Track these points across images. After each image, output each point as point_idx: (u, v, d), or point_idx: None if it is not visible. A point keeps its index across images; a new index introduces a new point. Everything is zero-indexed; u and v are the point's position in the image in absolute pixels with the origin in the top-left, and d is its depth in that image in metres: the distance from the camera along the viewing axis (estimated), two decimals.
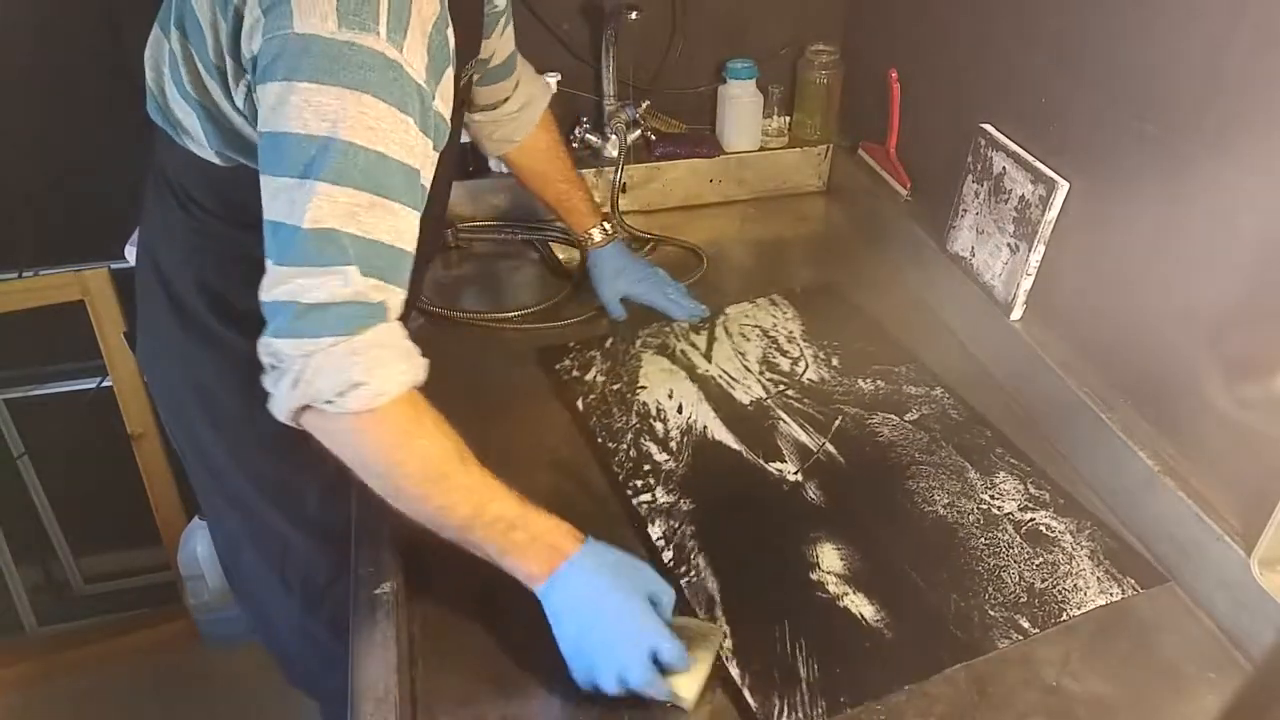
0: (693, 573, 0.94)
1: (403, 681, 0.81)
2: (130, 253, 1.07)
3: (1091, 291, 1.08)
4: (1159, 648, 0.88)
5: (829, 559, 0.96)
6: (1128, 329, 1.03)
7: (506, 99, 1.22)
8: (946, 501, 1.03)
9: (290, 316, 0.74)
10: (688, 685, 0.81)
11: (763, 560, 0.97)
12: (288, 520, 1.08)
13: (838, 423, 1.13)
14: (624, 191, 1.57)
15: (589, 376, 1.21)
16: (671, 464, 1.07)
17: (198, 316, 0.99)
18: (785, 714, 0.81)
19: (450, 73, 0.81)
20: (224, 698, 1.85)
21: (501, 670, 0.86)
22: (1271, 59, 0.80)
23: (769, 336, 1.29)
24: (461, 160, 1.56)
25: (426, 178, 0.80)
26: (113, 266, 1.62)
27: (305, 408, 0.76)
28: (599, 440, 1.11)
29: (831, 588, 0.93)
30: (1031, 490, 1.04)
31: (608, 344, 1.27)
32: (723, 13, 1.60)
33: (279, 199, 0.73)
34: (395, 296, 0.78)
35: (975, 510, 1.02)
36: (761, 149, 1.66)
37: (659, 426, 1.13)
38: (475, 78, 1.00)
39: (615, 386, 1.19)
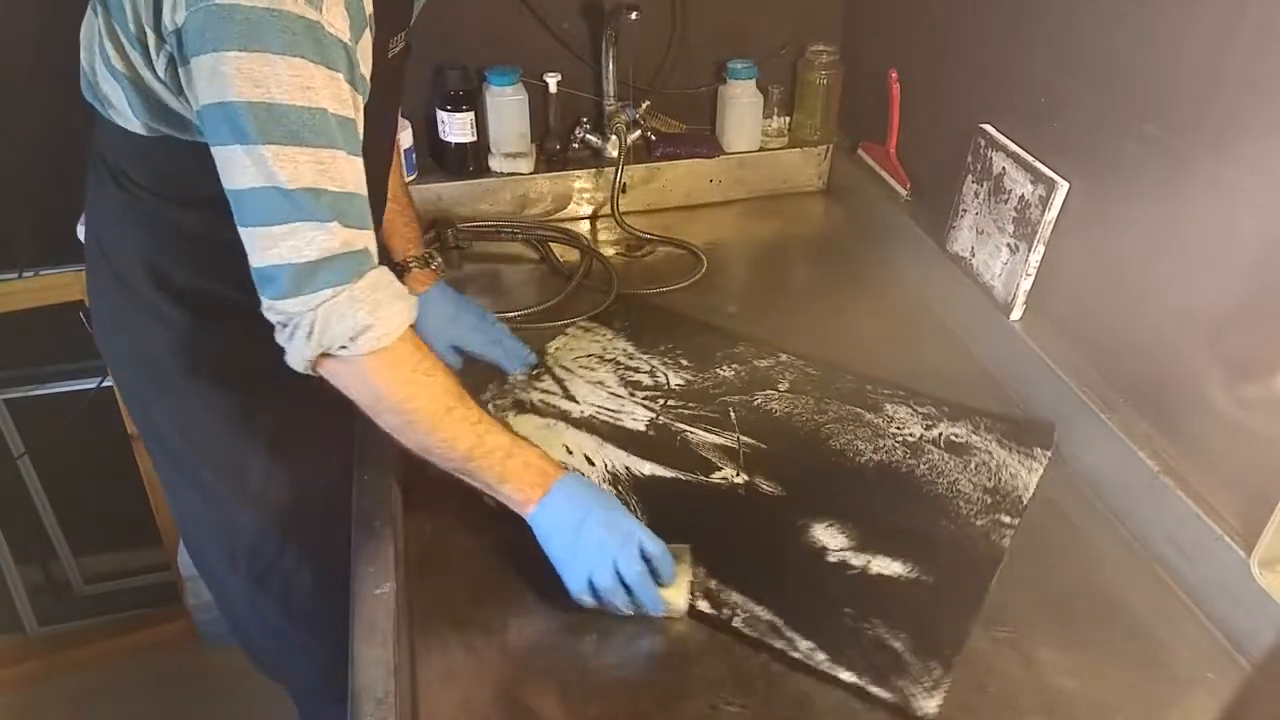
0: (726, 609, 0.89)
1: (402, 681, 0.81)
2: (81, 232, 1.07)
3: (1091, 291, 1.08)
4: (1159, 648, 0.88)
5: (829, 538, 0.98)
6: (1128, 329, 1.03)
7: None
8: (870, 447, 1.10)
9: (289, 278, 0.79)
10: (677, 595, 0.89)
11: (776, 567, 0.95)
12: (232, 494, 1.09)
13: (733, 414, 1.14)
14: (624, 191, 1.57)
15: None
16: None
17: (140, 291, 1.00)
18: (922, 696, 0.82)
19: (368, 35, 0.83)
20: (224, 698, 1.85)
21: (502, 670, 0.86)
22: (1271, 59, 0.80)
23: (609, 360, 1.23)
24: (462, 160, 1.56)
25: (358, 127, 0.83)
26: None
27: (321, 356, 0.82)
28: None
29: (855, 561, 0.95)
30: (918, 410, 1.15)
31: None
32: (723, 13, 1.60)
33: (237, 167, 0.76)
34: (371, 240, 0.83)
35: (895, 445, 1.10)
36: (761, 149, 1.66)
37: None
38: (401, 51, 0.99)
39: None
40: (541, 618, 0.91)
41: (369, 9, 0.82)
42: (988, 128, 1.22)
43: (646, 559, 0.87)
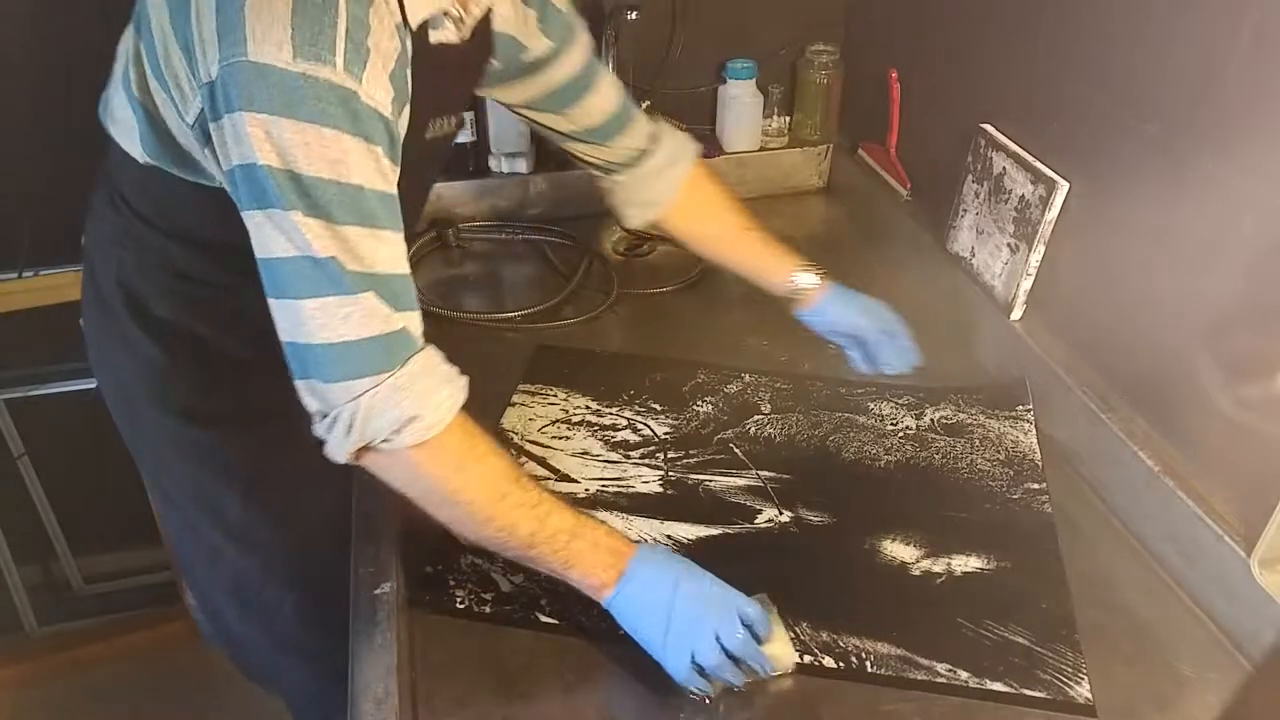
0: (852, 656, 0.86)
1: (402, 682, 0.81)
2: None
3: (1091, 291, 1.08)
4: (1159, 648, 0.88)
5: (902, 551, 0.97)
6: (1128, 329, 1.03)
7: (643, 152, 1.11)
8: (880, 449, 1.10)
9: (324, 360, 0.74)
10: (782, 649, 0.83)
11: (871, 597, 0.92)
12: (214, 529, 1.07)
13: (738, 451, 1.10)
14: None
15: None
16: None
17: (118, 317, 0.97)
18: (1071, 684, 0.83)
19: (406, 111, 0.79)
20: (224, 698, 1.85)
21: (502, 670, 0.86)
22: (1271, 59, 0.80)
23: (578, 423, 1.14)
24: (462, 160, 1.56)
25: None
26: None
27: (362, 449, 0.77)
28: None
29: (937, 569, 0.95)
30: (898, 401, 1.17)
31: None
32: (723, 13, 1.60)
33: (265, 233, 0.72)
34: (414, 320, 0.78)
35: (901, 441, 1.11)
36: (761, 149, 1.66)
37: None
38: (452, 133, 0.96)
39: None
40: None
41: (410, 87, 0.78)
42: (988, 128, 1.21)
43: (744, 623, 0.81)
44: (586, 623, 0.88)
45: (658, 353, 1.28)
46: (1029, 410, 1.14)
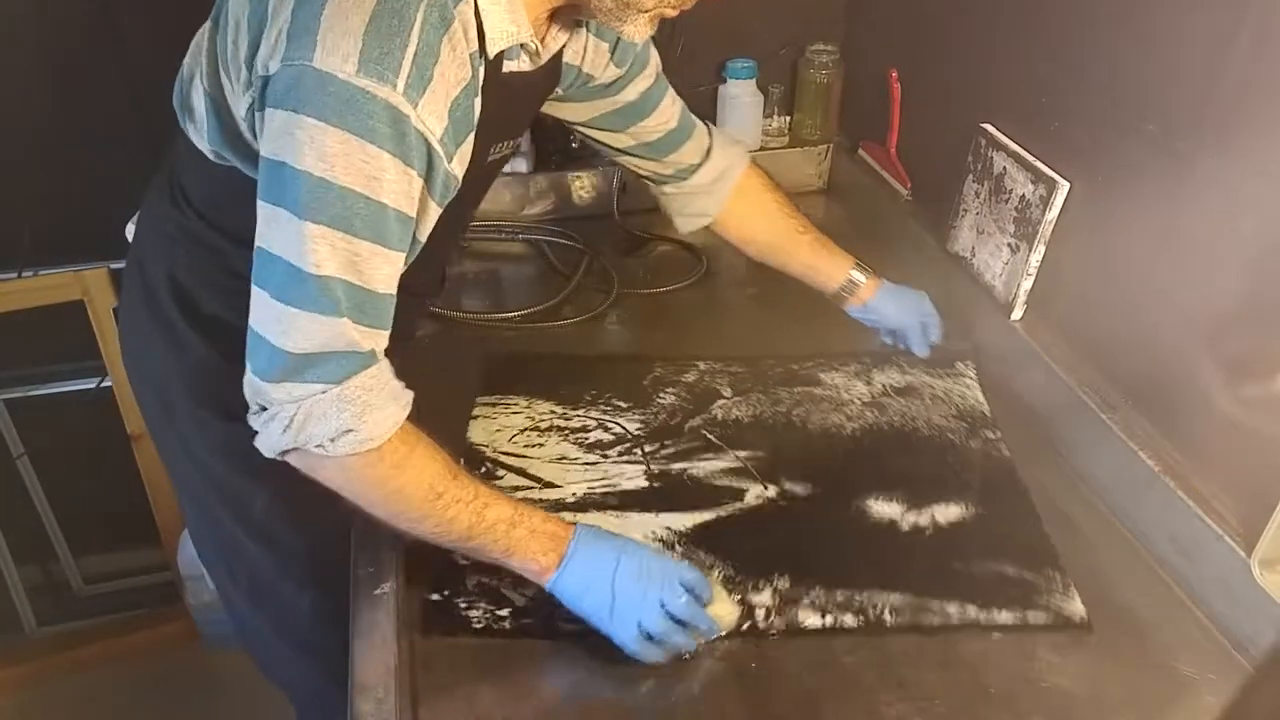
0: (871, 609, 0.90)
1: (402, 681, 0.81)
2: (130, 231, 1.07)
3: (1091, 291, 1.08)
4: (1159, 648, 0.88)
5: (888, 509, 1.02)
6: (1128, 329, 1.03)
7: (696, 167, 1.14)
8: (844, 417, 1.16)
9: (280, 363, 0.74)
10: (725, 609, 0.87)
11: (871, 555, 0.97)
12: (235, 523, 1.07)
13: (711, 436, 1.12)
14: (624, 191, 1.57)
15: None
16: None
17: (164, 311, 0.98)
18: (1066, 603, 0.91)
19: (470, 139, 0.80)
20: (224, 698, 1.85)
21: (502, 670, 0.86)
22: (1271, 59, 0.80)
23: (547, 429, 1.13)
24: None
25: (424, 229, 0.81)
26: (112, 266, 1.62)
27: (292, 449, 0.78)
28: None
29: (922, 521, 1.01)
30: (846, 369, 1.23)
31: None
32: (723, 13, 1.60)
33: (274, 228, 0.73)
34: (382, 340, 0.79)
35: (860, 408, 1.17)
36: (761, 149, 1.66)
37: None
38: (508, 155, 0.97)
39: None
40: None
41: (476, 114, 0.79)
42: (988, 127, 1.21)
43: (686, 588, 0.84)
44: None
45: (617, 350, 1.31)
46: (969, 366, 1.22)
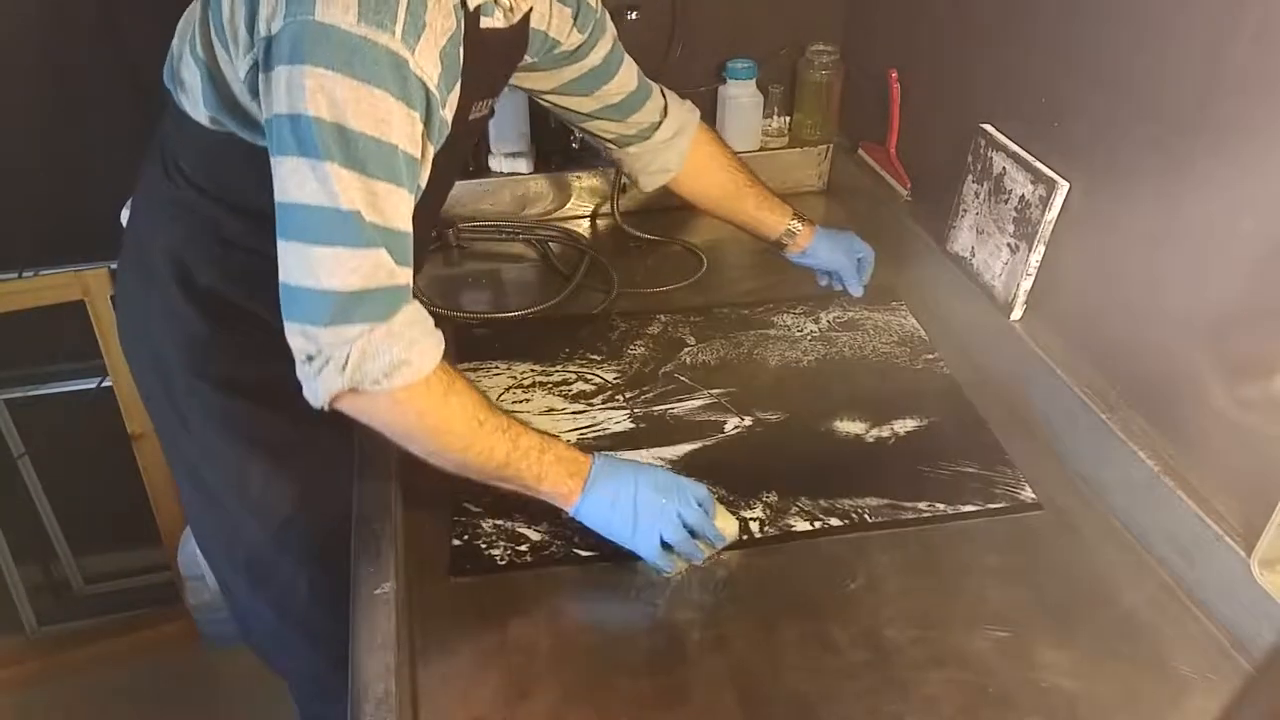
0: (853, 513, 1.02)
1: (402, 682, 0.81)
2: (124, 216, 1.08)
3: (1091, 291, 1.08)
4: (1159, 648, 0.88)
5: (854, 426, 1.15)
6: (1128, 329, 1.03)
7: (656, 125, 1.21)
8: (799, 351, 1.28)
9: (328, 305, 0.77)
10: (726, 522, 0.97)
11: (845, 467, 1.08)
12: (233, 499, 1.09)
13: (684, 379, 1.22)
14: (624, 191, 1.57)
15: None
16: None
17: (163, 287, 1.00)
18: (1019, 491, 1.04)
19: (458, 89, 0.85)
20: (224, 698, 1.85)
21: (502, 670, 0.86)
22: (1271, 59, 0.80)
23: (530, 385, 1.21)
24: (462, 161, 1.56)
25: (424, 172, 0.84)
26: (113, 267, 1.62)
27: (346, 391, 0.81)
28: None
29: (884, 434, 1.13)
30: (795, 311, 1.36)
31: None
32: (723, 13, 1.60)
33: (296, 179, 0.76)
34: (410, 277, 0.83)
35: (813, 343, 1.29)
36: (761, 149, 1.66)
37: None
38: (486, 116, 1.02)
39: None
40: (547, 614, 0.91)
41: (461, 64, 0.83)
42: (988, 128, 1.21)
43: (697, 502, 0.93)
44: (623, 549, 0.94)
45: (573, 312, 1.38)
46: (901, 304, 1.37)
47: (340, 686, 0.81)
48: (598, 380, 1.22)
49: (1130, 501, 1.00)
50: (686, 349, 1.28)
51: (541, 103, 1.19)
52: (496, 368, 1.25)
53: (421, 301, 0.84)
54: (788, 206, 1.29)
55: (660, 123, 1.21)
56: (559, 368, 1.24)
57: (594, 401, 1.19)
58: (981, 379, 1.23)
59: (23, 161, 1.55)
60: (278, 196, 0.77)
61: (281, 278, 0.79)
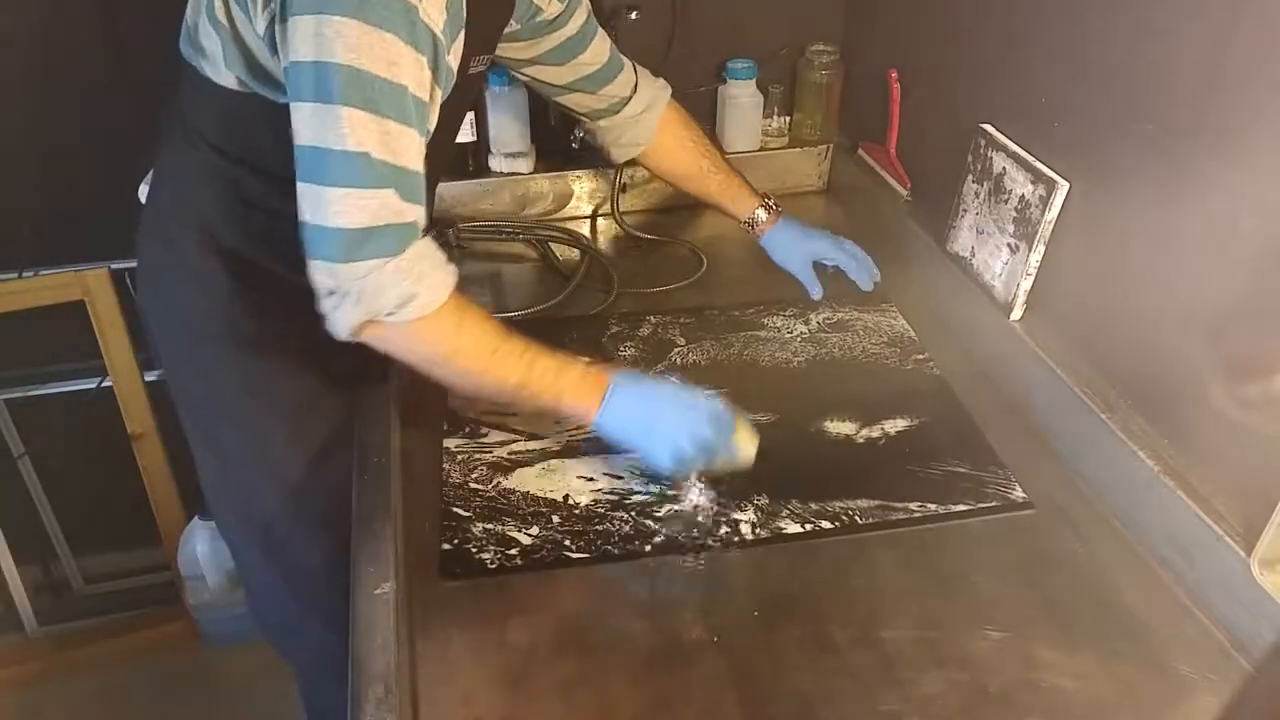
0: (844, 516, 1.01)
1: (402, 681, 0.81)
2: (143, 192, 1.12)
3: (1091, 291, 1.08)
4: (1159, 648, 0.88)
5: (844, 427, 1.15)
6: (1128, 329, 1.03)
7: (627, 100, 1.26)
8: (789, 352, 1.28)
9: (341, 243, 0.83)
10: (746, 439, 1.01)
11: (835, 468, 1.07)
12: (254, 460, 1.11)
13: (672, 380, 1.18)
14: (624, 191, 1.57)
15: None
16: (679, 506, 1.03)
17: (187, 251, 1.03)
18: (1010, 491, 1.04)
19: (461, 38, 0.90)
20: (224, 698, 1.85)
21: (502, 670, 0.86)
22: (1271, 59, 0.80)
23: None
24: (462, 160, 1.56)
25: (433, 117, 0.89)
26: (113, 266, 1.62)
27: (367, 323, 0.87)
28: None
29: (875, 434, 1.13)
30: (785, 314, 1.35)
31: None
32: (723, 13, 1.60)
33: (312, 123, 0.81)
34: (421, 215, 0.88)
35: (802, 344, 1.30)
36: (761, 149, 1.66)
37: (629, 506, 1.03)
38: (483, 71, 1.08)
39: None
40: (543, 616, 0.91)
41: (464, 16, 0.88)
42: (988, 128, 1.21)
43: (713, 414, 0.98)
44: (614, 551, 0.97)
45: (561, 314, 1.38)
46: (891, 306, 1.37)
47: (343, 670, 0.82)
48: None
49: (1130, 501, 1.00)
50: (676, 350, 1.28)
51: (520, 77, 1.24)
52: None
53: None
54: (757, 196, 1.34)
55: (630, 97, 1.26)
56: None
57: None
58: (977, 379, 1.23)
59: (23, 161, 1.55)
60: (295, 140, 0.83)
61: (301, 217, 0.84)
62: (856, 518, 1.01)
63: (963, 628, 0.89)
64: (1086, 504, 1.04)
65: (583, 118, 1.29)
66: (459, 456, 1.10)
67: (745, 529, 1.00)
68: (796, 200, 1.68)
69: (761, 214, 1.33)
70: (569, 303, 1.39)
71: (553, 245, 1.52)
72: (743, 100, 1.61)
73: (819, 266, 1.35)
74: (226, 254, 1.02)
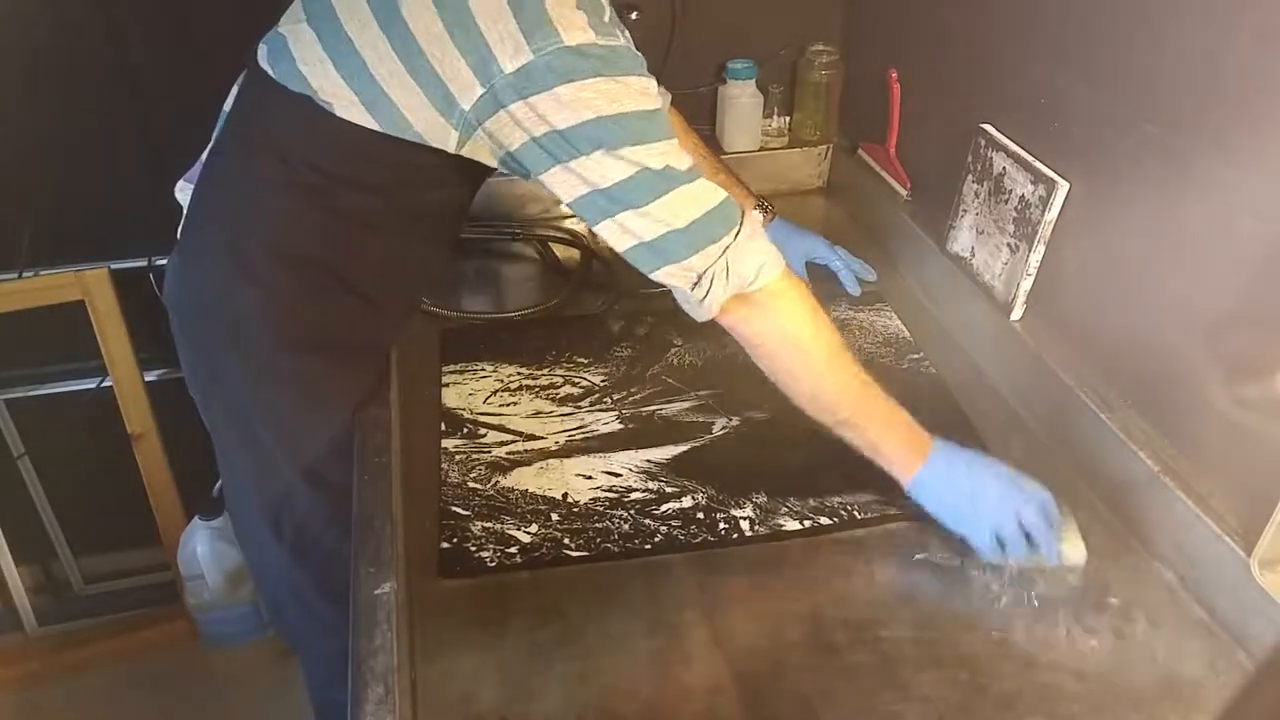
0: (855, 509, 1.02)
1: (402, 681, 0.81)
2: (182, 190, 1.10)
3: (1091, 291, 1.08)
4: (1159, 648, 0.88)
5: None
6: (1128, 329, 1.03)
7: None
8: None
9: (688, 239, 0.90)
10: (1073, 546, 0.95)
11: (837, 463, 1.03)
12: (293, 465, 1.11)
13: (670, 380, 1.23)
14: None
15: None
16: (678, 504, 1.04)
17: (250, 253, 1.01)
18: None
19: None
20: (224, 698, 1.85)
21: (502, 670, 0.86)
22: (1271, 59, 0.80)
23: (516, 389, 1.21)
24: None
25: None
26: (113, 266, 1.62)
27: (731, 300, 0.94)
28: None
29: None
30: None
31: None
32: (723, 13, 1.60)
33: (604, 167, 0.87)
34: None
35: None
36: (761, 149, 1.66)
37: (628, 504, 1.04)
38: None
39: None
40: (542, 616, 0.91)
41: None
42: (988, 128, 1.21)
43: (1040, 505, 0.94)
44: (614, 549, 0.98)
45: (560, 314, 1.38)
46: (887, 306, 1.37)
47: None
48: (585, 383, 1.22)
49: (1130, 501, 1.00)
50: (674, 350, 1.28)
51: None
52: (483, 370, 1.24)
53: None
54: (753, 198, 1.36)
55: None
56: (546, 370, 1.24)
57: (582, 404, 1.19)
58: (974, 378, 1.23)
59: (23, 162, 1.55)
60: (589, 189, 0.89)
61: (626, 246, 0.91)
62: (855, 513, 1.02)
63: (963, 627, 0.89)
64: (1087, 504, 1.03)
65: None
66: (457, 457, 1.10)
67: (745, 525, 1.01)
68: (796, 200, 1.68)
69: (758, 214, 1.33)
70: (569, 303, 1.39)
71: (553, 245, 1.52)
72: (743, 100, 1.61)
73: (812, 267, 1.37)
74: (295, 259, 1.01)
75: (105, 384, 1.71)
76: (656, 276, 0.93)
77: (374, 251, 1.03)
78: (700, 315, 0.97)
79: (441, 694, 0.84)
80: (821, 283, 1.36)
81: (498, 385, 1.22)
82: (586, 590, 0.94)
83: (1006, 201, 1.18)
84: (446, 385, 1.22)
